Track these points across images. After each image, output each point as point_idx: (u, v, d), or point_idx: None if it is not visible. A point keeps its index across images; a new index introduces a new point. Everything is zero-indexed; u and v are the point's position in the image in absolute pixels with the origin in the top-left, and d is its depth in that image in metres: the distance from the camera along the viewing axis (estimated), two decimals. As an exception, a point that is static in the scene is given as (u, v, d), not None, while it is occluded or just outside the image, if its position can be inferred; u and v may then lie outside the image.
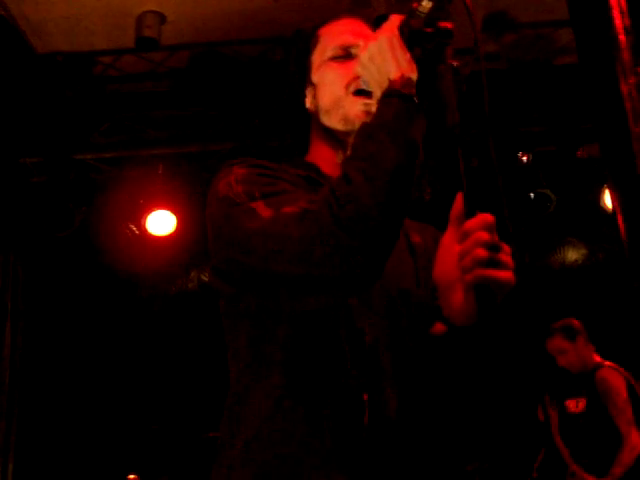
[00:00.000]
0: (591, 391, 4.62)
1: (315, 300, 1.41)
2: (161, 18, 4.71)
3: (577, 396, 4.75)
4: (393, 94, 1.32)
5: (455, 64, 1.27)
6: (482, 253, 1.17)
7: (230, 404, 1.52)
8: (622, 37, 1.05)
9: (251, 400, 1.45)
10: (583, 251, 6.70)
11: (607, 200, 5.38)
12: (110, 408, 6.17)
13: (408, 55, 1.33)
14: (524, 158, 5.27)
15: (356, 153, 1.33)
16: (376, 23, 1.73)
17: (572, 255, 6.70)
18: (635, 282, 1.09)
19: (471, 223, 1.20)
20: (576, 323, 4.83)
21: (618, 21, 1.05)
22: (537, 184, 5.42)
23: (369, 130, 1.33)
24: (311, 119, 1.70)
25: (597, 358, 4.75)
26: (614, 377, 4.59)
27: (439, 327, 1.41)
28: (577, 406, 4.74)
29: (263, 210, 1.34)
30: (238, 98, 5.22)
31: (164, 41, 4.76)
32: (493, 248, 1.18)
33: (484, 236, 1.18)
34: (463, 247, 1.20)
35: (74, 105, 5.23)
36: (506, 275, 1.19)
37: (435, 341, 1.44)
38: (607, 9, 1.05)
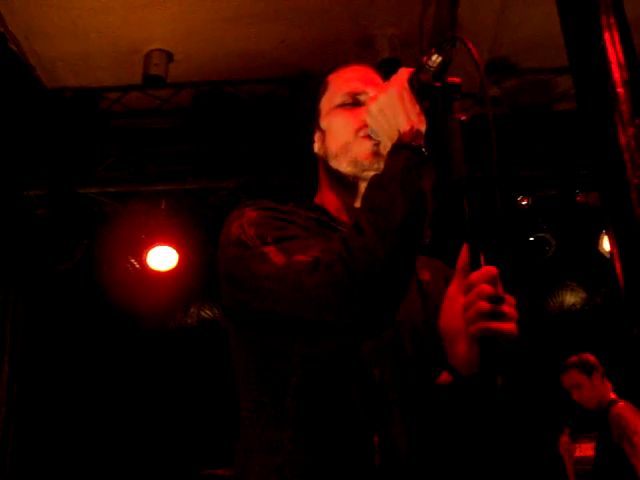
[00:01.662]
0: (604, 430, 4.45)
1: (325, 346, 1.42)
2: (168, 56, 4.78)
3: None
4: (403, 146, 1.35)
5: (463, 118, 1.30)
6: (485, 306, 1.19)
7: (241, 445, 1.52)
8: (620, 90, 1.08)
9: (261, 443, 1.46)
10: (582, 295, 6.71)
11: (605, 245, 5.41)
12: (108, 441, 6.12)
13: (417, 108, 1.36)
14: (524, 202, 5.31)
15: (367, 204, 1.35)
16: (381, 67, 1.77)
17: (570, 299, 6.71)
18: (634, 329, 1.11)
19: (475, 275, 1.22)
20: (592, 359, 4.68)
21: (616, 74, 1.09)
22: (537, 228, 5.45)
23: (380, 182, 1.36)
24: (319, 163, 1.72)
25: (613, 395, 4.60)
26: (631, 415, 4.42)
27: (445, 376, 1.42)
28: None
29: (275, 255, 1.35)
30: (242, 136, 5.28)
31: (170, 79, 4.82)
32: (496, 300, 1.20)
33: (487, 289, 1.20)
34: (467, 299, 1.23)
35: (79, 139, 5.29)
36: (508, 327, 1.20)
37: (441, 391, 1.45)
38: (606, 62, 1.08)
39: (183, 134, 5.37)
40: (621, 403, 4.53)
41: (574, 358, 4.73)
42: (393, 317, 1.35)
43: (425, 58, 1.34)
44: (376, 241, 1.26)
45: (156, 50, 4.74)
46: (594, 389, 4.59)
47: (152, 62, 4.73)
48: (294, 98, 4.72)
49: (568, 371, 4.69)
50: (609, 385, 4.64)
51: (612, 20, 1.12)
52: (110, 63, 4.87)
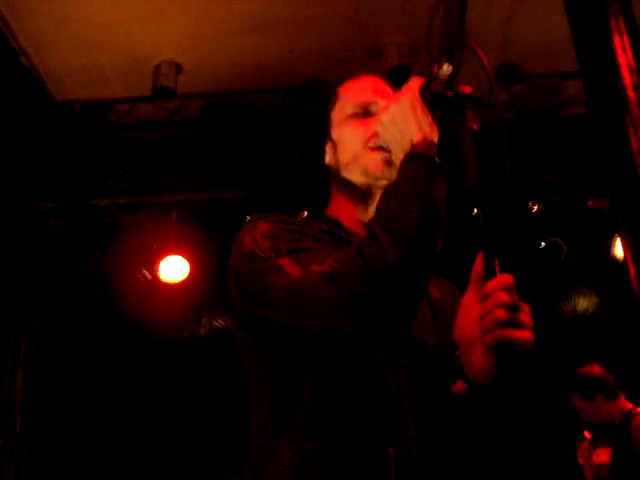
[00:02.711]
0: (621, 439, 4.37)
1: (341, 355, 1.42)
2: (177, 68, 4.81)
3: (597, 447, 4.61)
4: (416, 156, 1.36)
5: (475, 127, 1.30)
6: (502, 314, 1.19)
7: (254, 458, 1.50)
8: (631, 94, 1.08)
9: (276, 455, 1.43)
10: (594, 300, 6.68)
11: (618, 249, 5.39)
12: (121, 451, 6.13)
13: (429, 118, 1.36)
14: (535, 207, 5.30)
15: (382, 214, 1.35)
16: (390, 75, 1.78)
17: (583, 304, 6.68)
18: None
19: (491, 284, 1.22)
20: (594, 376, 4.61)
21: (627, 78, 1.09)
22: (548, 233, 5.44)
23: (394, 191, 1.36)
24: (331, 174, 1.72)
25: (628, 405, 4.52)
26: None
27: (460, 385, 1.42)
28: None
29: (290, 267, 1.35)
30: (252, 146, 5.29)
31: (180, 90, 4.84)
32: (512, 309, 1.20)
33: (504, 297, 1.20)
34: (483, 308, 1.22)
35: (90, 152, 5.31)
36: (525, 335, 1.20)
37: (457, 400, 1.45)
38: (616, 66, 1.09)
39: (193, 145, 5.39)
40: (638, 410, 4.47)
41: (579, 373, 4.68)
42: (409, 325, 1.35)
43: (436, 67, 1.34)
44: (391, 250, 1.27)
45: (165, 61, 4.76)
46: (599, 411, 4.54)
47: (161, 73, 4.75)
48: (303, 108, 4.72)
49: (573, 395, 4.65)
50: (620, 396, 4.57)
51: (622, 24, 1.12)
52: (120, 75, 4.90)
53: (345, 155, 1.66)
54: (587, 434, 4.74)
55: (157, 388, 6.32)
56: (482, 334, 1.22)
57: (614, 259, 5.46)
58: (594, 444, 4.68)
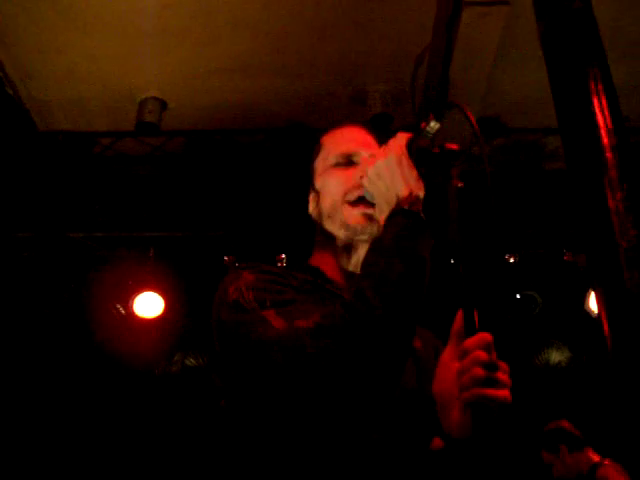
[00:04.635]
0: None
1: (328, 410, 1.40)
2: (162, 104, 4.83)
3: None
4: (401, 212, 1.37)
5: (460, 185, 1.31)
6: (479, 372, 1.19)
7: None
8: (609, 155, 1.10)
9: None
10: (567, 353, 6.71)
11: (592, 304, 5.42)
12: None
13: (416, 173, 1.38)
14: (512, 259, 5.34)
15: (368, 271, 1.36)
16: (373, 123, 1.81)
17: (556, 357, 6.70)
18: (620, 389, 1.11)
19: (470, 342, 1.22)
20: (555, 429, 4.81)
21: (605, 139, 1.11)
22: (524, 286, 5.47)
23: (379, 247, 1.37)
24: (314, 224, 1.74)
25: (595, 457, 4.65)
26: (615, 475, 4.47)
27: (437, 441, 1.42)
28: None
29: (275, 320, 1.35)
30: (232, 185, 5.30)
31: (163, 126, 4.86)
32: (490, 367, 1.20)
33: (482, 355, 1.20)
34: (462, 365, 1.22)
35: (70, 183, 5.29)
36: (502, 394, 1.20)
37: (434, 456, 1.43)
38: (595, 128, 1.11)
39: (174, 181, 5.39)
40: (606, 462, 4.55)
41: (546, 429, 4.87)
42: (396, 380, 1.34)
43: (423, 124, 1.36)
44: (377, 307, 1.27)
45: (151, 98, 4.79)
46: (565, 464, 4.69)
47: (146, 109, 4.77)
48: (286, 149, 4.75)
49: (541, 451, 4.82)
50: (586, 449, 4.70)
51: (600, 87, 1.15)
52: (104, 109, 4.91)
53: (327, 206, 1.68)
54: None
55: (127, 423, 6.23)
56: (459, 391, 1.22)
57: (588, 313, 5.49)
58: None
